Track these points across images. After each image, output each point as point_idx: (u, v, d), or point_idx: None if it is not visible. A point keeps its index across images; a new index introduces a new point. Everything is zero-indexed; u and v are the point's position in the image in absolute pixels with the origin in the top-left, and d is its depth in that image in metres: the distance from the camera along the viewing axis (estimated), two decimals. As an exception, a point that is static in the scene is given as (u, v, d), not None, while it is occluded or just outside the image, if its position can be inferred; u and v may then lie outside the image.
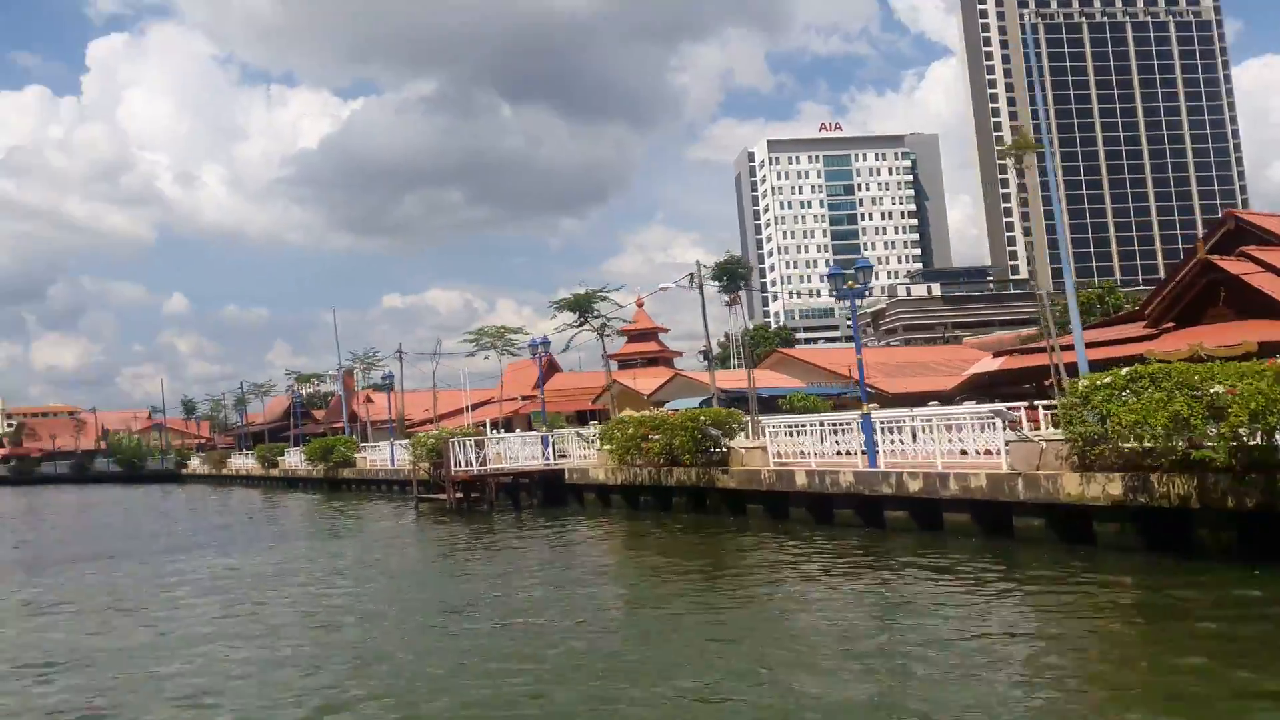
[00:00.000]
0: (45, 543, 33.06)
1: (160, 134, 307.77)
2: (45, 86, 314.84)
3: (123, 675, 11.49)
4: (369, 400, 74.65)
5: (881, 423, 21.30)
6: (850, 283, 22.81)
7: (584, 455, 33.75)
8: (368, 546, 25.54)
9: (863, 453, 21.31)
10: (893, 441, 21.00)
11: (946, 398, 34.63)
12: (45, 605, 17.67)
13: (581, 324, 40.27)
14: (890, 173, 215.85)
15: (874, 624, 12.33)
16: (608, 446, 29.51)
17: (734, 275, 33.32)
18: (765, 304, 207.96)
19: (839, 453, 22.70)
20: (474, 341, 52.37)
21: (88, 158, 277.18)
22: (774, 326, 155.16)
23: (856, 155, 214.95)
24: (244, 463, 77.07)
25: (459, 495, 33.52)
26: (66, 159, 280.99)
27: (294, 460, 64.25)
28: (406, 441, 45.81)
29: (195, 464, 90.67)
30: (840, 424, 22.97)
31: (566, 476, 32.67)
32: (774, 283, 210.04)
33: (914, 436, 20.71)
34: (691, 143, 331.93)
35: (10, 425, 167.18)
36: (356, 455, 54.72)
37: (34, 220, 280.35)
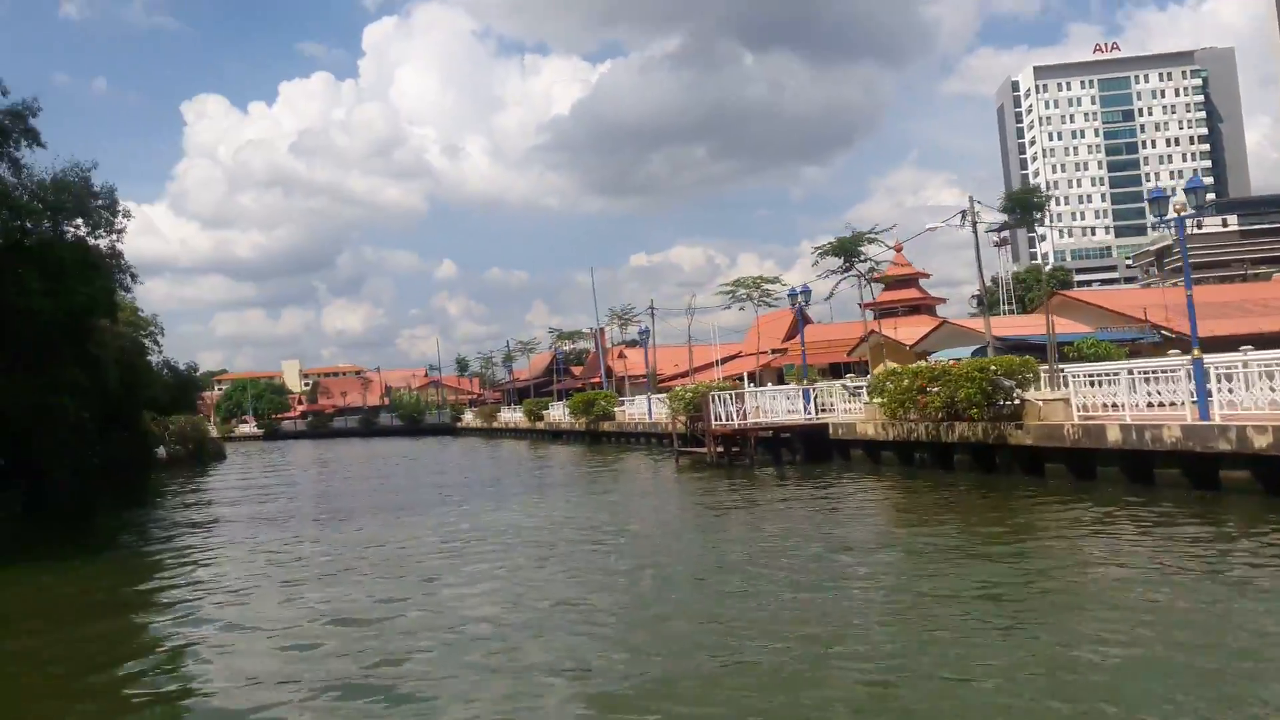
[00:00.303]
0: (342, 493, 35.37)
1: (427, 109, 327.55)
2: (329, 72, 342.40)
3: (430, 633, 11.23)
4: (622, 356, 75.84)
5: (1215, 368, 18.13)
6: (1178, 207, 19.43)
7: (848, 409, 31.91)
8: (635, 502, 25.26)
9: (1192, 403, 18.24)
10: (1228, 390, 17.84)
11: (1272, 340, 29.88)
12: (350, 559, 18.20)
13: (847, 269, 38.07)
14: (1177, 94, 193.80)
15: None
16: (877, 400, 27.54)
17: (1027, 206, 29.68)
18: (1032, 245, 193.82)
19: (1151, 405, 19.73)
20: (729, 294, 51.37)
21: (365, 136, 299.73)
22: (1048, 267, 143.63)
23: (1136, 77, 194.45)
24: (512, 416, 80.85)
25: (719, 449, 32.72)
26: (348, 138, 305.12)
27: (557, 414, 66.39)
28: (663, 395, 45.63)
29: (468, 418, 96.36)
30: (1158, 371, 19.90)
31: (831, 431, 30.98)
32: (1043, 221, 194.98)
33: (1246, 385, 17.53)
34: (946, 77, 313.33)
35: (307, 384, 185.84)
36: (615, 409, 55.51)
37: (323, 197, 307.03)
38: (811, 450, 31.61)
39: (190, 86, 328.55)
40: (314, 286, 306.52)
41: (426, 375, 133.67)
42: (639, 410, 52.43)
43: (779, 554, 15.21)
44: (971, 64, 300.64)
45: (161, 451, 63.14)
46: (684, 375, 60.94)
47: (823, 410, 33.19)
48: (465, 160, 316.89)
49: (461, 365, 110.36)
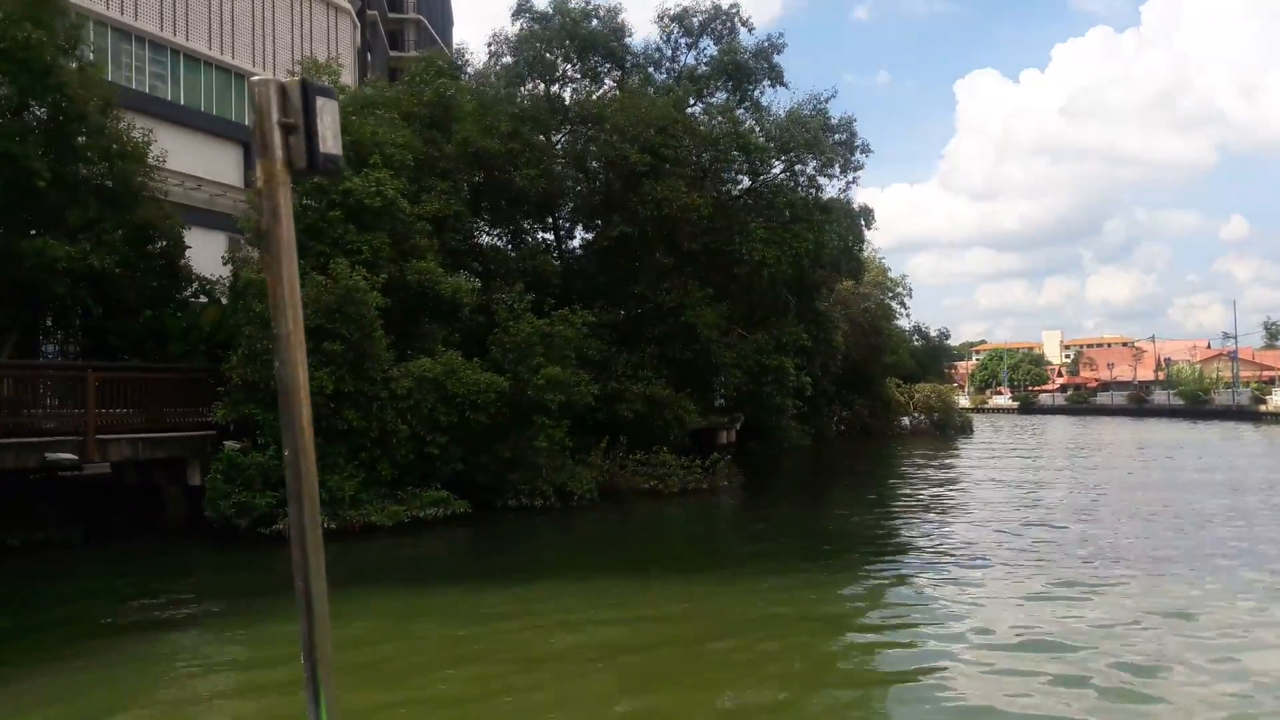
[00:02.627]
0: (1102, 506, 26.16)
1: (1223, 46, 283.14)
2: (1107, 26, 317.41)
3: None
4: None
5: None
6: None
7: None
8: None
9: None
10: None
11: None
12: (1117, 643, 10.08)
13: None
14: None
15: None
16: None
17: None
18: None
19: None
20: None
21: (1145, 88, 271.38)
22: None
23: None
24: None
25: None
26: (1124, 92, 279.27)
27: None
28: None
29: (1277, 400, 76.08)
30: None
31: None
32: None
33: None
34: None
35: (1068, 356, 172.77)
36: None
37: (1093, 160, 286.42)
38: None
39: (962, 65, 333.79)
40: (1078, 254, 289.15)
41: (1210, 347, 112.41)
42: None
43: None
44: None
45: (905, 421, 60.00)
46: None
47: None
48: (1264, 99, 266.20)
49: (1272, 332, 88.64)
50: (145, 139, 20.23)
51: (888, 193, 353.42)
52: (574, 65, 32.70)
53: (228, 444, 19.27)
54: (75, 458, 16.87)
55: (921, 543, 18.30)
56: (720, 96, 32.32)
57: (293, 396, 1.71)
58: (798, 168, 30.79)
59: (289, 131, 1.66)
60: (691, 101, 31.10)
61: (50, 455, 16.63)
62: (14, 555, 16.78)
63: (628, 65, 33.82)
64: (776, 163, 30.52)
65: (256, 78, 1.67)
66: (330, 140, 1.69)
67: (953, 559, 16.23)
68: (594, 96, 30.86)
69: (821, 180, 30.96)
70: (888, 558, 16.92)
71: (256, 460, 18.28)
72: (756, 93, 32.88)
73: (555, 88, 32.24)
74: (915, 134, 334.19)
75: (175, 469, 19.55)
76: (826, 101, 32.22)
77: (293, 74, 2.54)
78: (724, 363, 28.46)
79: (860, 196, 42.15)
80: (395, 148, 22.21)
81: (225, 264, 22.88)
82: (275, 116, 1.65)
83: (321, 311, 18.62)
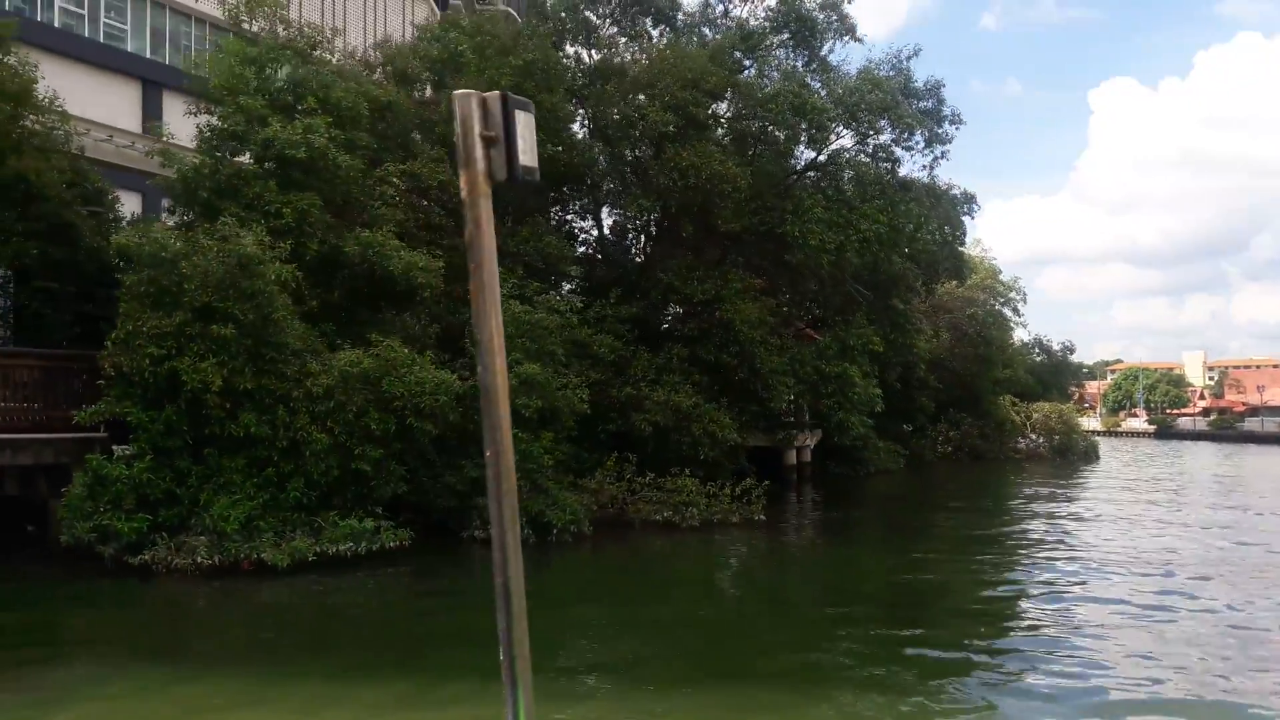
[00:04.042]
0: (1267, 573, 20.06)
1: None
2: (1255, 31, 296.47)
3: None
4: None
5: None
6: None
7: None
8: None
9: None
10: None
11: None
12: None
13: None
14: None
15: None
16: None
17: None
18: None
19: None
20: None
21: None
22: None
23: None
24: None
25: None
26: (1272, 101, 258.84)
27: None
28: None
29: None
30: None
31: None
32: None
33: None
34: None
35: (1212, 378, 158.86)
36: None
37: (1239, 172, 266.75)
38: None
39: (1098, 72, 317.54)
40: (1224, 271, 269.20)
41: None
42: None
43: None
44: None
45: (1021, 444, 53.32)
46: None
47: None
48: None
49: None
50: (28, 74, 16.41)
51: (1015, 204, 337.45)
52: (619, 25, 28.42)
53: (118, 449, 15.50)
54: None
55: (1052, 624, 12.79)
56: (780, 56, 27.41)
57: (493, 402, 1.80)
58: (869, 138, 25.60)
59: (489, 144, 1.79)
60: (742, 59, 26.27)
61: None
62: None
63: (679, 25, 29.32)
64: (843, 130, 25.39)
65: (459, 91, 1.80)
66: (527, 152, 1.81)
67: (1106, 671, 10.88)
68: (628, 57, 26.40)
69: (899, 153, 25.69)
70: (1014, 666, 10.57)
71: (125, 473, 14.37)
72: (825, 51, 27.83)
73: (594, 53, 27.95)
74: (1046, 144, 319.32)
75: (60, 478, 15.86)
76: (909, 60, 26.98)
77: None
78: (771, 368, 23.47)
79: (961, 186, 36.29)
80: (346, 93, 18.17)
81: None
82: (478, 129, 1.78)
83: (208, 286, 14.65)
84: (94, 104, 22.19)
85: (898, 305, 27.94)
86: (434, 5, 34.59)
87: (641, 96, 23.06)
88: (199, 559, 14.00)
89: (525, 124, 1.78)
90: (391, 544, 15.74)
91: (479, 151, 1.74)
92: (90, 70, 23.62)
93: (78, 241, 15.99)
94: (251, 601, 13.54)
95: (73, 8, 24.76)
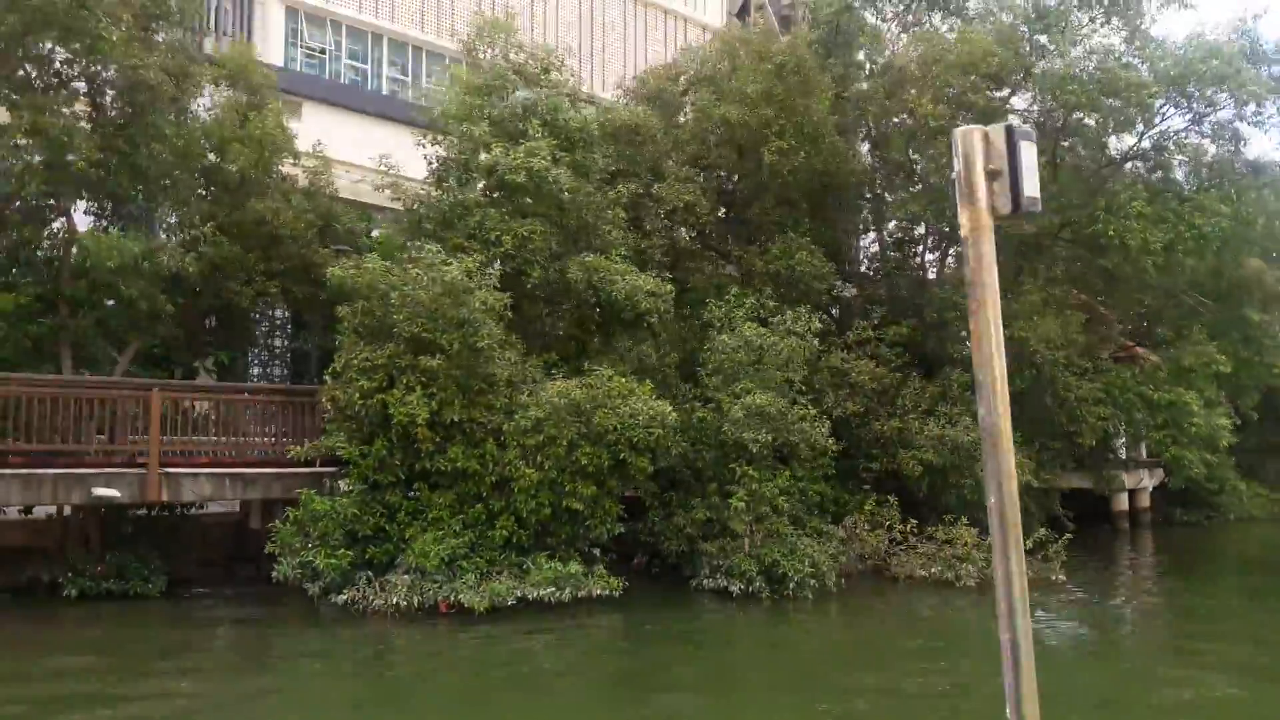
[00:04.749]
0: None
1: None
2: None
3: None
4: None
5: None
6: None
7: None
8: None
9: None
10: None
11: None
12: None
13: None
14: None
15: None
16: None
17: None
18: None
19: None
20: None
21: None
22: None
23: None
24: None
25: None
26: None
27: None
28: None
29: None
30: None
31: None
32: None
33: None
34: None
35: None
36: None
37: None
38: None
39: None
40: None
41: None
42: None
43: None
44: None
45: None
46: None
47: None
48: None
49: None
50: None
51: None
52: (902, 23, 25.89)
53: (344, 484, 15.58)
54: (118, 494, 14.05)
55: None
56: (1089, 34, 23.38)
57: (997, 445, 1.80)
58: (1205, 116, 20.98)
59: (992, 178, 1.77)
60: (1040, 39, 22.65)
61: (98, 491, 14.01)
62: (66, 604, 14.28)
63: (969, 15, 26.14)
64: (1171, 110, 21.04)
65: (960, 128, 1.74)
66: (1030, 183, 1.75)
67: None
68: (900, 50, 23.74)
69: (1243, 129, 20.82)
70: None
71: (332, 508, 14.27)
72: (1147, 24, 23.40)
73: (876, 56, 25.58)
74: None
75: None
76: (1255, 21, 21.99)
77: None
78: (1079, 396, 19.64)
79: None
80: (575, 115, 17.41)
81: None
82: (981, 164, 1.77)
83: (417, 316, 14.29)
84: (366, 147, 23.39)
85: (1252, 316, 22.63)
86: (703, 29, 33.81)
87: (912, 90, 20.48)
88: (397, 599, 13.50)
89: (1027, 153, 1.80)
90: (599, 591, 14.43)
91: (982, 186, 1.75)
92: (361, 117, 24.92)
93: (321, 281, 16.46)
94: (380, 656, 12.69)
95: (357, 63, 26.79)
